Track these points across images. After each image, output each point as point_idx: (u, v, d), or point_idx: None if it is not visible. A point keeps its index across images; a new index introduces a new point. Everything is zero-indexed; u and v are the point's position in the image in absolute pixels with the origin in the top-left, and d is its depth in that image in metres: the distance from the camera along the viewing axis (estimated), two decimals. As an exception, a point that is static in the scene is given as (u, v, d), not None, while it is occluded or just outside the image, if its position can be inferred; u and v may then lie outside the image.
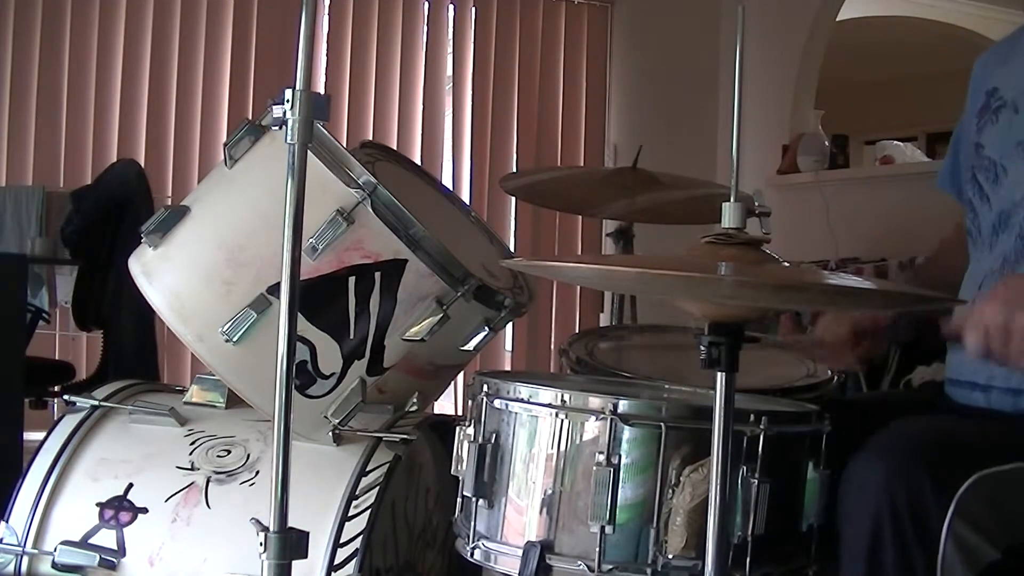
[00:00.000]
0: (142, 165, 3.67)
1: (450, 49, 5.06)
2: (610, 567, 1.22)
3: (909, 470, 1.24)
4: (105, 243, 3.42)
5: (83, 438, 1.61)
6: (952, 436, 1.32)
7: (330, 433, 1.53)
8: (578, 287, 4.98)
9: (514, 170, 4.99)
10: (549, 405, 1.27)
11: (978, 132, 1.65)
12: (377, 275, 1.47)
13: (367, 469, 1.51)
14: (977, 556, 1.23)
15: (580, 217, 5.05)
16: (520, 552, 1.25)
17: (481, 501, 1.30)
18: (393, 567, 1.60)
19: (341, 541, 1.44)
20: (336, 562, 1.43)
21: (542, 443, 1.28)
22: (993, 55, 1.71)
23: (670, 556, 1.21)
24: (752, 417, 1.24)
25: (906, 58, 6.82)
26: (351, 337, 1.49)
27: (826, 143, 4.39)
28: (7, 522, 1.53)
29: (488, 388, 1.33)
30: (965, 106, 1.76)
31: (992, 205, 1.59)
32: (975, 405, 1.52)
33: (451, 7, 5.05)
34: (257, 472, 1.54)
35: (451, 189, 2.11)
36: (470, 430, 1.33)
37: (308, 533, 1.13)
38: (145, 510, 1.53)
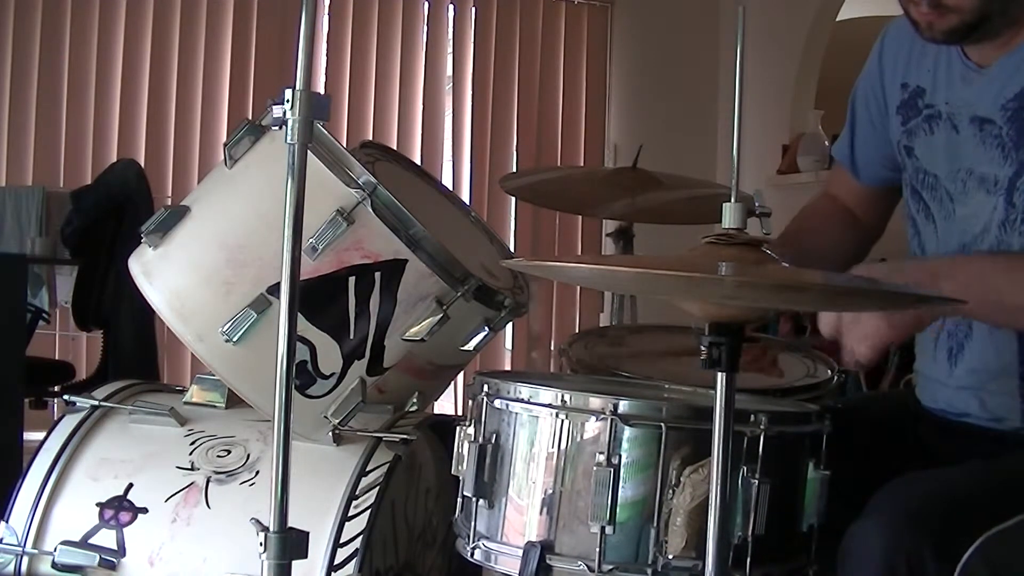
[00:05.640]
0: (142, 165, 3.68)
1: (450, 49, 5.07)
2: (610, 567, 1.22)
3: (910, 543, 1.21)
4: (105, 243, 3.42)
5: (83, 438, 1.60)
6: (952, 497, 1.29)
7: (330, 433, 1.53)
8: (578, 287, 4.98)
9: (514, 170, 5.00)
10: (549, 405, 1.27)
11: (906, 134, 1.62)
12: (377, 275, 1.47)
13: (367, 469, 1.51)
14: None
15: (580, 217, 5.05)
16: (520, 552, 1.25)
17: (481, 501, 1.30)
18: (393, 567, 1.60)
19: (341, 541, 1.44)
20: (336, 562, 1.43)
21: (542, 443, 1.27)
22: (908, 38, 1.61)
23: (670, 556, 1.21)
24: (752, 417, 1.23)
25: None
26: (351, 337, 1.49)
27: (826, 143, 4.39)
28: (7, 522, 1.53)
29: (488, 388, 1.33)
30: (868, 70, 1.71)
31: (943, 232, 1.57)
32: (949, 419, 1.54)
33: (451, 7, 5.05)
34: (257, 472, 1.54)
35: (451, 189, 2.11)
36: (470, 430, 1.33)
37: (308, 533, 1.13)
38: (145, 510, 1.53)
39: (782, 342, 1.75)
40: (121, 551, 1.51)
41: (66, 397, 1.66)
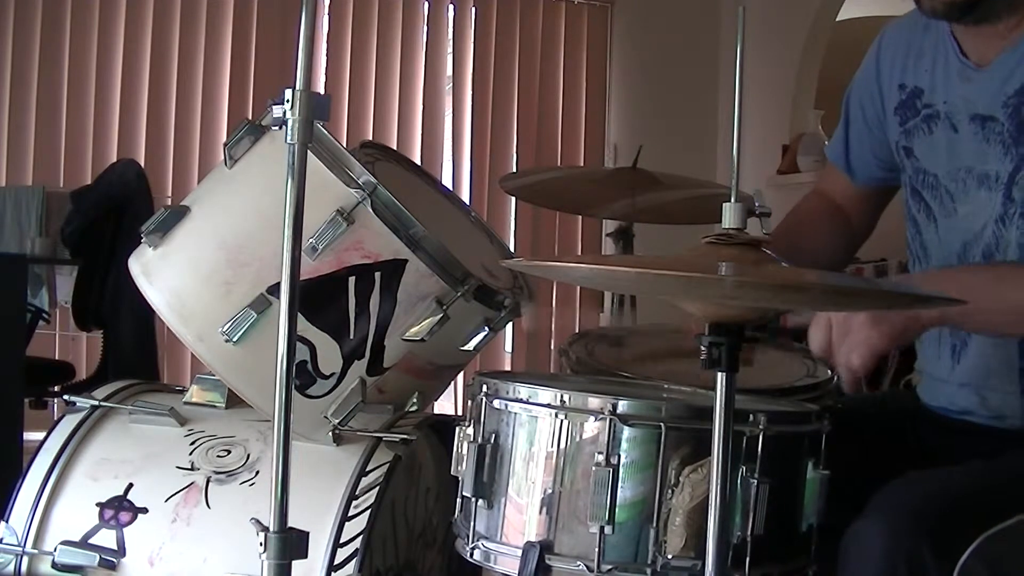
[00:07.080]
0: (142, 165, 3.68)
1: (450, 49, 5.07)
2: (609, 567, 1.22)
3: (909, 543, 1.22)
4: (105, 243, 3.42)
5: (83, 438, 1.60)
6: (952, 496, 1.29)
7: (330, 433, 1.53)
8: (578, 287, 4.98)
9: (514, 170, 5.00)
10: (548, 405, 1.27)
11: (904, 134, 1.62)
12: (377, 275, 1.47)
13: (367, 469, 1.51)
14: None
15: (580, 217, 5.05)
16: (519, 552, 1.25)
17: (480, 501, 1.30)
18: (393, 567, 1.60)
19: (341, 541, 1.44)
20: (336, 562, 1.43)
21: (541, 443, 1.27)
22: (905, 41, 1.63)
23: (669, 556, 1.21)
24: (752, 417, 1.23)
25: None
26: (351, 337, 1.49)
27: (826, 143, 4.38)
28: (7, 522, 1.53)
29: (488, 388, 1.33)
30: (864, 72, 1.71)
31: (944, 231, 1.57)
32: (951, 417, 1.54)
33: (451, 7, 5.05)
34: (257, 472, 1.54)
35: (451, 189, 2.11)
36: (470, 430, 1.33)
37: (308, 533, 1.13)
38: (145, 510, 1.53)
39: (779, 342, 1.75)
40: (121, 551, 1.51)
41: (66, 397, 1.66)
